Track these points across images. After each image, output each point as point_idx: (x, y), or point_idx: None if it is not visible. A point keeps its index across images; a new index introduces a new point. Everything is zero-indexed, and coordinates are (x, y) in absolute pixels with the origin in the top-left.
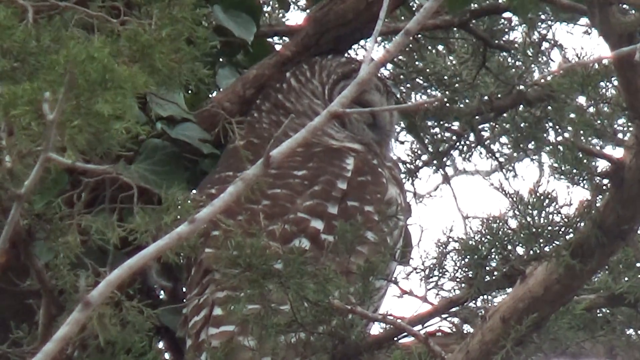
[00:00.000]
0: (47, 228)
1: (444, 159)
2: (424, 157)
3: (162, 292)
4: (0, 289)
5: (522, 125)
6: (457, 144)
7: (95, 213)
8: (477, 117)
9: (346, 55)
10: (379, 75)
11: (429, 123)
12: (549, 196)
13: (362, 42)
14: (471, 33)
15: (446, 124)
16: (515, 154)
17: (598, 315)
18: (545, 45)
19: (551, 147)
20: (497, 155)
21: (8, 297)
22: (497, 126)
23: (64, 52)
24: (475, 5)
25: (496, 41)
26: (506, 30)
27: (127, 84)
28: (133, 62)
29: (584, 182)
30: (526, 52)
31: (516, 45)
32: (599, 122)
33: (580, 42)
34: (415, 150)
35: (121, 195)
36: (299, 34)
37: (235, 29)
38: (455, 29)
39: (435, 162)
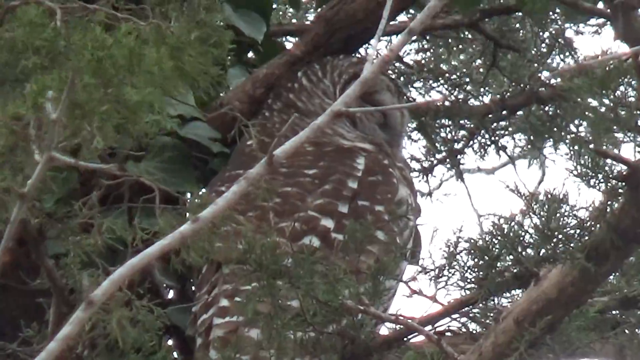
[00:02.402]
0: (58, 227)
1: (458, 157)
2: (439, 155)
3: (170, 291)
4: (11, 288)
5: (537, 123)
6: (471, 142)
7: (106, 212)
8: (489, 115)
9: (357, 54)
10: (390, 75)
11: (443, 121)
12: (564, 198)
13: (372, 42)
14: (481, 33)
15: (460, 122)
16: (531, 151)
17: (608, 316)
18: (556, 44)
19: (567, 145)
20: (511, 153)
21: (18, 296)
22: (510, 125)
23: (90, 36)
24: (486, 5)
25: (506, 41)
26: (516, 29)
27: (154, 67)
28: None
29: (600, 184)
30: (538, 51)
31: (526, 44)
32: (616, 123)
33: (591, 42)
34: (430, 148)
35: (132, 194)
36: (309, 34)
37: (245, 28)
38: (465, 28)
39: (448, 160)
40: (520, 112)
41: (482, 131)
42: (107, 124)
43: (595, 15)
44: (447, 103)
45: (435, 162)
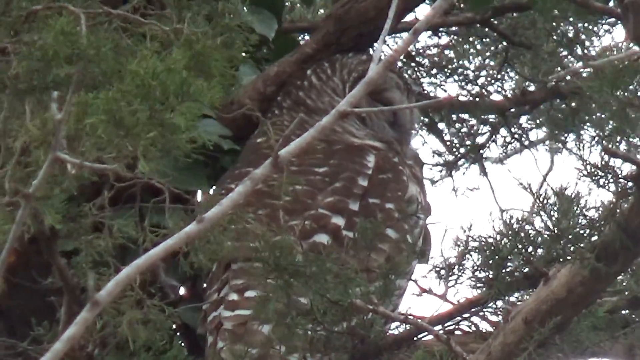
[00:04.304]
0: (69, 225)
1: (481, 152)
2: (462, 150)
3: (181, 289)
4: (22, 286)
5: (558, 117)
6: (493, 136)
7: (118, 211)
8: (511, 110)
9: (367, 53)
10: (400, 72)
11: (463, 116)
12: (574, 198)
13: (378, 42)
14: (493, 30)
15: (483, 117)
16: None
17: (617, 315)
18: (569, 41)
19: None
20: (532, 148)
21: (30, 294)
22: (532, 119)
23: (141, 63)
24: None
25: (518, 38)
26: (529, 27)
27: (205, 97)
28: (187, 70)
29: (609, 184)
30: (550, 48)
31: (539, 41)
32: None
33: (604, 38)
34: (455, 143)
35: (142, 192)
36: (320, 32)
37: (257, 25)
38: (477, 25)
39: (471, 155)
40: (539, 108)
41: (504, 126)
42: (152, 149)
43: (606, 15)
44: (461, 99)
45: (459, 155)
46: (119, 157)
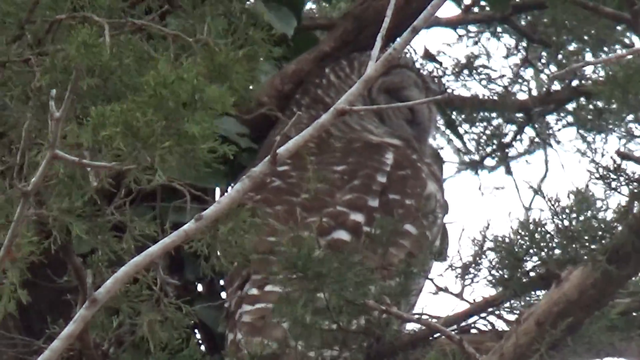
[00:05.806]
0: (87, 225)
1: (506, 150)
2: (489, 149)
3: (200, 286)
4: (39, 284)
5: (585, 117)
6: (519, 135)
7: (136, 209)
8: (536, 109)
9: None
10: (418, 71)
11: (487, 115)
12: (587, 200)
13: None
14: (513, 27)
15: (508, 115)
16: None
17: (632, 316)
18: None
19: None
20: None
21: (46, 292)
22: (560, 119)
23: (153, 73)
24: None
25: (538, 36)
26: (550, 25)
27: (217, 104)
28: (209, 81)
29: (621, 187)
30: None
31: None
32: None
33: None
34: (482, 141)
35: (148, 189)
36: (338, 30)
37: (276, 22)
38: (498, 23)
39: (498, 153)
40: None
41: (529, 125)
42: (169, 157)
43: (617, 20)
44: (481, 97)
45: (484, 154)
46: (138, 167)
